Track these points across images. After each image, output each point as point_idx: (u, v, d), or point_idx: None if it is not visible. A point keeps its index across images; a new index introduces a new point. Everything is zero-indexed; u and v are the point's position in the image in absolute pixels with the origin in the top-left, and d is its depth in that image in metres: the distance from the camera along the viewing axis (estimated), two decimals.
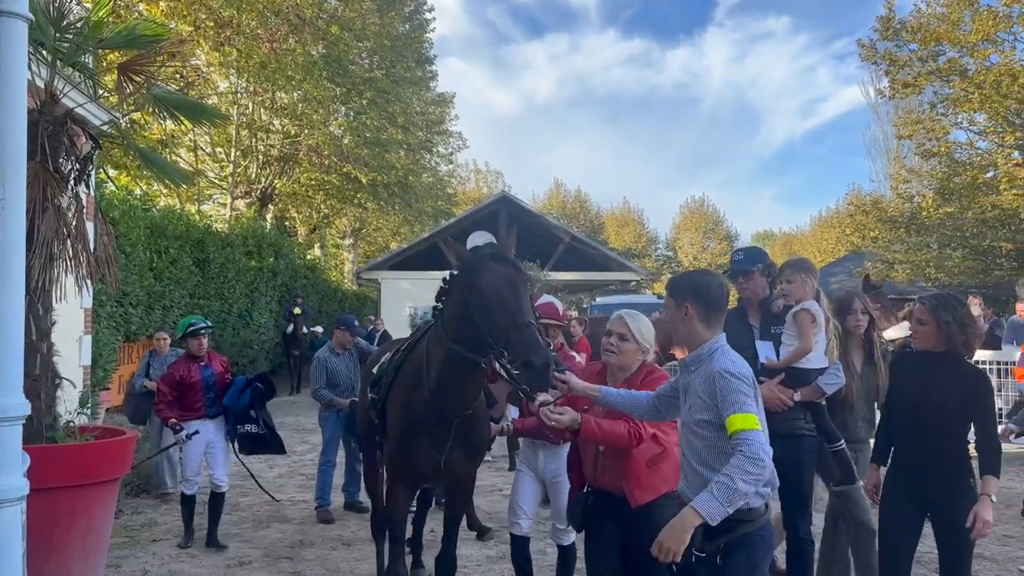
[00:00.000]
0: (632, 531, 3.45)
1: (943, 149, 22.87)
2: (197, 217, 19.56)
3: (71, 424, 5.53)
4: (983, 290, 25.04)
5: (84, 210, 5.58)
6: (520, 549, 4.61)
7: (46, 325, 5.35)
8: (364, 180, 23.34)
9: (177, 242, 15.40)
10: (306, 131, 23.38)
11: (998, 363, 10.56)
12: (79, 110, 7.00)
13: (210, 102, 22.69)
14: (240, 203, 23.64)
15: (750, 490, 2.71)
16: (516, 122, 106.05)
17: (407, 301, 21.13)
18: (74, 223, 5.44)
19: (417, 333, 4.73)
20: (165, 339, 8.79)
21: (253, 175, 23.90)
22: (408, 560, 4.89)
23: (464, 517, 5.54)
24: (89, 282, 5.64)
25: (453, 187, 38.95)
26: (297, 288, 20.69)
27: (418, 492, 5.08)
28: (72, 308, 8.77)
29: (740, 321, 4.41)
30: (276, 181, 24.28)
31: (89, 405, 6.35)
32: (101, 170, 11.98)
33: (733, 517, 2.80)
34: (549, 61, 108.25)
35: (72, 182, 5.39)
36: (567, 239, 21.91)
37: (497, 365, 3.75)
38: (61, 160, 5.36)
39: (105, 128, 6.19)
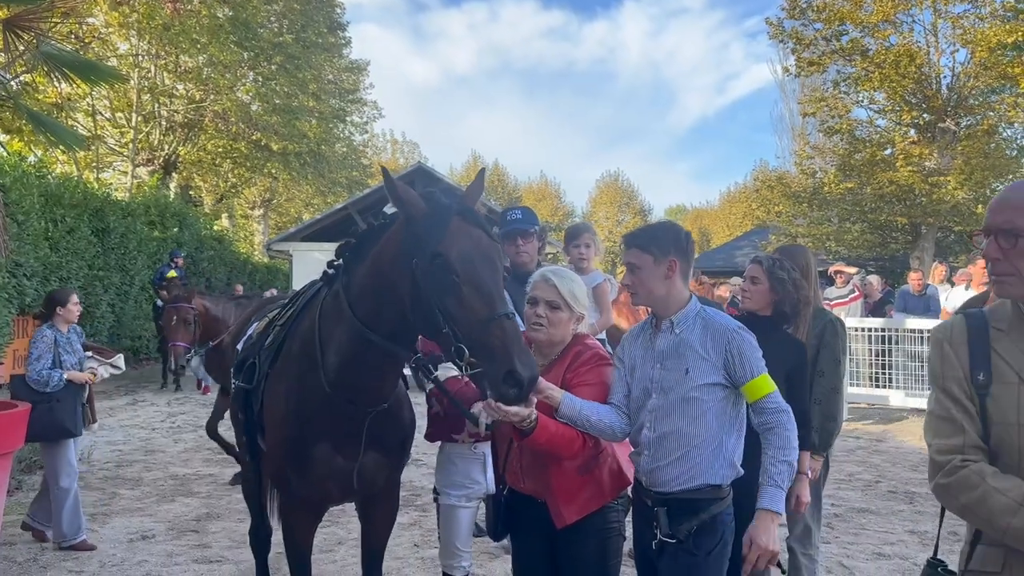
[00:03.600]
0: (561, 537, 2.89)
1: (845, 126, 23.75)
2: (96, 185, 18.69)
3: None
4: (879, 262, 26.28)
5: None
6: None
7: None
8: (275, 148, 22.70)
9: (74, 211, 14.68)
10: (212, 96, 22.55)
11: (891, 330, 11.11)
12: None
13: (109, 64, 21.67)
14: (142, 171, 22.69)
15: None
16: (435, 93, 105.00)
17: (320, 273, 20.71)
18: None
19: (299, 299, 3.51)
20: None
21: (156, 142, 22.94)
22: None
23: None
24: (3, 251, 5.36)
25: (368, 157, 38.29)
26: (202, 260, 20.05)
27: (325, 513, 3.67)
28: None
29: (522, 290, 3.33)
30: (180, 148, 23.37)
31: None
32: (17, 140, 11.33)
33: (702, 496, 2.66)
34: (468, 31, 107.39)
35: None
36: (483, 211, 21.81)
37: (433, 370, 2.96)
38: None
39: None
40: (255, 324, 4.10)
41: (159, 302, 13.88)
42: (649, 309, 2.93)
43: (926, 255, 22.36)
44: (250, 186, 29.16)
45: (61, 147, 5.72)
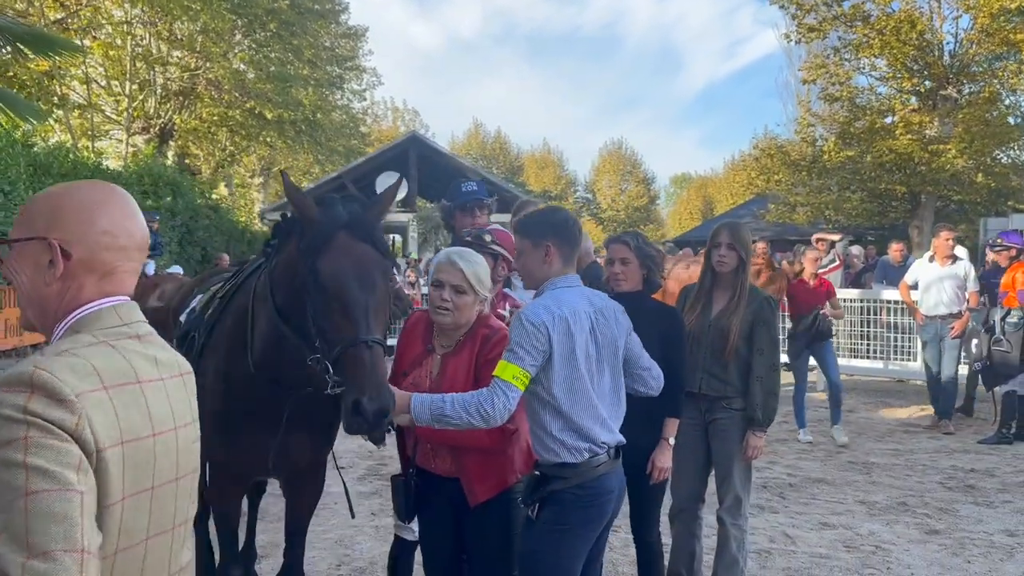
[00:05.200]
0: (469, 512, 2.97)
1: (845, 94, 23.49)
2: (89, 154, 18.71)
3: None
4: (879, 231, 26.15)
5: None
6: (406, 554, 3.62)
7: None
8: (269, 116, 22.62)
9: (63, 180, 14.75)
10: (206, 64, 22.46)
11: (869, 301, 11.11)
12: None
13: (103, 32, 21.58)
14: (138, 139, 22.69)
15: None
16: (438, 59, 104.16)
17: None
18: None
19: (240, 274, 3.47)
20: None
21: (151, 110, 22.91)
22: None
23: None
24: None
25: (368, 126, 38.14)
26: (198, 229, 20.09)
27: (250, 485, 3.77)
28: None
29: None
30: (176, 117, 23.33)
31: None
32: None
33: (547, 472, 2.75)
34: None
35: None
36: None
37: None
38: None
39: None
40: (198, 297, 4.05)
41: None
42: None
43: (925, 224, 22.22)
44: (247, 155, 29.12)
45: (20, 120, 5.71)
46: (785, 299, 8.03)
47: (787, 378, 9.34)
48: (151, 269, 13.36)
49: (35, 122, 6.13)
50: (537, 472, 2.83)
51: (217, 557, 3.62)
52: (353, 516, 3.62)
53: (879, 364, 10.97)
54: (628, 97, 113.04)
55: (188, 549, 1.57)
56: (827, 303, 7.92)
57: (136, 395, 1.39)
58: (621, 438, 2.87)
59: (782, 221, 26.56)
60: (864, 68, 23.89)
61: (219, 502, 3.46)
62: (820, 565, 4.82)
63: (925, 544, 5.19)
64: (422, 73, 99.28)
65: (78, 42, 20.86)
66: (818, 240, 11.66)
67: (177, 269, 15.25)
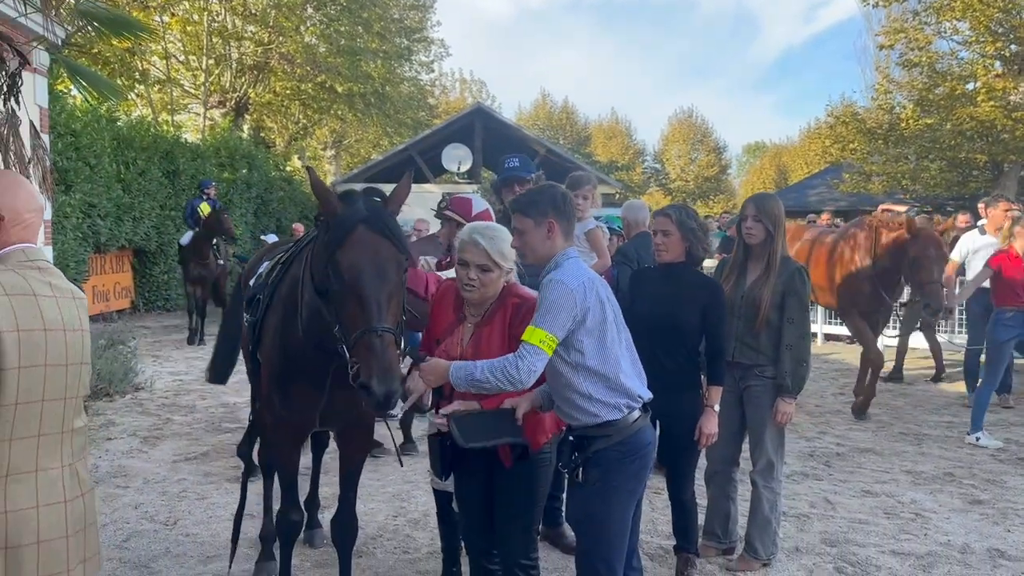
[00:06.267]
0: (497, 469, 3.15)
1: (925, 59, 22.71)
2: (168, 127, 19.47)
3: None
4: (958, 201, 25.30)
5: (20, 125, 5.72)
6: (449, 506, 3.82)
7: None
8: (340, 89, 23.12)
9: (145, 153, 15.45)
10: (279, 38, 23.04)
11: None
12: (32, 24, 7.07)
13: (180, 7, 22.30)
14: (215, 113, 23.47)
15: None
16: (507, 29, 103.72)
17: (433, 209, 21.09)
18: (11, 139, 5.61)
19: (302, 241, 3.72)
20: None
21: (227, 84, 23.65)
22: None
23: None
24: (48, 194, 5.86)
25: (436, 97, 38.46)
26: (272, 200, 20.72)
27: (307, 437, 4.13)
28: None
29: None
30: (250, 90, 24.04)
31: None
32: (61, 81, 12.02)
33: (588, 433, 2.89)
34: None
35: (2, 99, 5.53)
36: (543, 152, 21.90)
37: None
38: None
39: (35, 44, 6.29)
40: (266, 264, 4.41)
41: (185, 239, 13.11)
42: None
43: (1008, 194, 21.44)
44: (319, 127, 29.77)
45: (99, 97, 6.15)
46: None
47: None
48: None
49: (115, 99, 6.54)
50: (571, 438, 3.00)
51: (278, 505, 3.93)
52: (401, 465, 3.90)
53: (943, 337, 10.77)
54: (700, 64, 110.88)
55: (80, 419, 2.23)
56: None
57: (31, 302, 2.06)
58: (649, 393, 3.04)
59: (857, 191, 25.90)
60: (945, 32, 23.04)
61: (279, 453, 3.81)
62: (857, 530, 4.93)
63: (966, 513, 5.23)
64: (490, 43, 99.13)
65: (157, 18, 21.69)
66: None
67: (273, 237, 15.94)
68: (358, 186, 18.56)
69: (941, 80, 22.38)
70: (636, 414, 2.94)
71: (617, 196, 26.06)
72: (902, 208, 11.80)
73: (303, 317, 3.29)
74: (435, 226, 7.00)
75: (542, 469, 3.19)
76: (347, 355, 2.83)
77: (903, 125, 23.05)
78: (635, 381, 2.98)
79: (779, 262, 4.17)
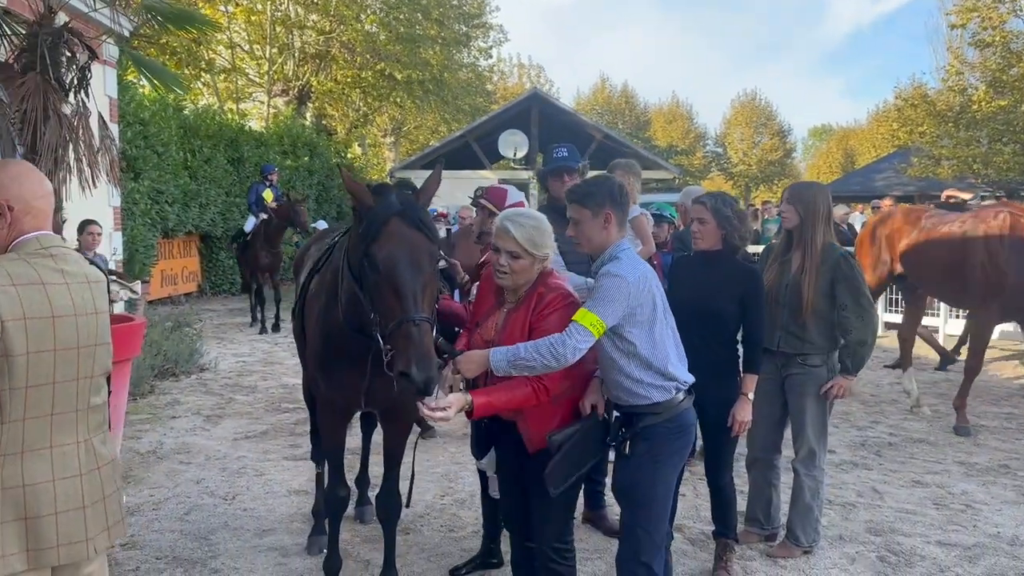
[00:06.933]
0: (527, 454, 3.18)
1: (999, 39, 21.91)
2: (234, 116, 19.97)
3: None
4: None
5: (90, 116, 6.00)
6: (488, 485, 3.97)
7: (57, 223, 5.88)
8: (399, 77, 23.39)
9: (210, 141, 15.92)
10: (339, 27, 23.39)
11: None
12: (101, 17, 7.36)
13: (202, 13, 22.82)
14: (278, 101, 23.98)
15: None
16: (566, 13, 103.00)
17: (439, 200, 21.29)
18: (81, 129, 5.89)
19: (344, 232, 3.74)
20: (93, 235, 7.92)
21: (290, 73, 24.13)
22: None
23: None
24: (115, 182, 6.16)
25: (494, 83, 38.46)
26: (332, 187, 21.10)
27: (352, 417, 4.19)
28: (101, 206, 9.42)
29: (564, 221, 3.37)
30: (312, 79, 24.49)
31: None
32: (129, 73, 12.45)
33: (638, 411, 3.05)
34: None
35: (72, 91, 5.80)
36: (599, 137, 21.83)
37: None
38: (62, 71, 5.77)
39: (103, 37, 6.56)
40: (314, 250, 4.60)
41: (249, 225, 13.15)
42: None
43: None
44: (379, 115, 30.14)
45: (163, 88, 6.39)
46: None
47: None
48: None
49: (178, 90, 6.80)
50: (619, 415, 3.15)
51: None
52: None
53: (1009, 326, 10.47)
54: (765, 45, 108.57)
55: (99, 397, 2.30)
56: None
57: (39, 291, 2.12)
58: (692, 377, 3.17)
59: (925, 176, 25.15)
60: (1020, 10, 22.18)
61: (325, 431, 3.98)
62: (903, 520, 4.89)
63: (1019, 505, 5.14)
64: (549, 28, 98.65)
65: (222, 8, 22.20)
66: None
67: (322, 224, 16.08)
68: (413, 173, 18.82)
69: (1016, 60, 21.58)
70: (682, 395, 3.10)
71: (676, 181, 25.83)
72: (967, 195, 11.49)
73: (343, 303, 3.38)
74: None
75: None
76: (382, 343, 2.92)
77: (975, 107, 22.31)
78: (680, 368, 3.13)
79: (820, 250, 4.16)
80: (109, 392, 2.35)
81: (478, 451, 3.44)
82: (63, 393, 2.14)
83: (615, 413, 3.19)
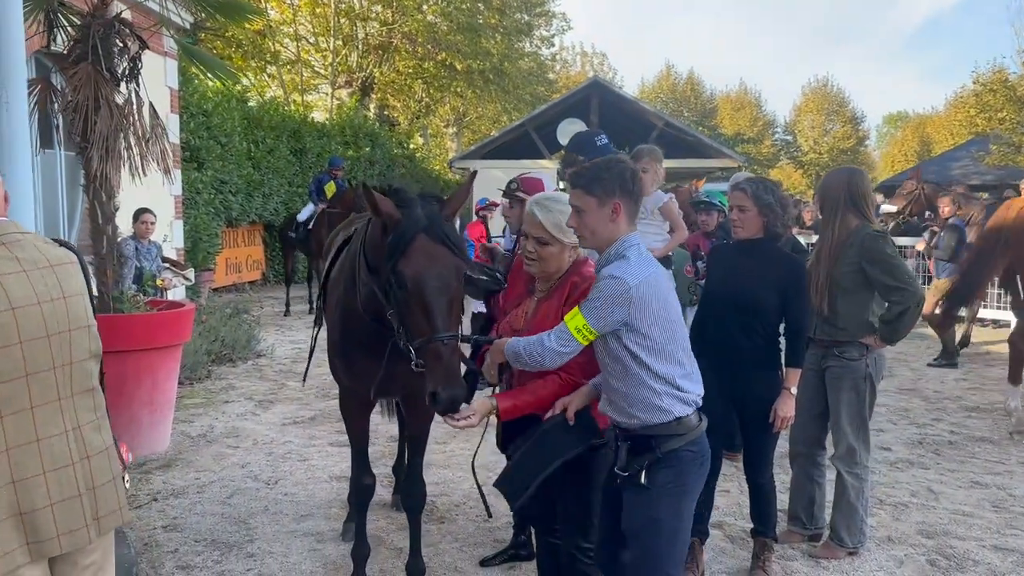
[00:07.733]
0: None
1: None
2: (298, 107, 20.30)
3: (138, 298, 6.32)
4: None
5: (142, 106, 6.13)
6: None
7: (110, 210, 6.04)
8: (460, 67, 23.45)
9: (273, 132, 16.21)
10: (402, 18, 23.55)
11: None
12: (156, 7, 7.52)
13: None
14: (342, 92, 24.28)
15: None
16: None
17: (491, 191, 21.25)
18: (133, 119, 6.03)
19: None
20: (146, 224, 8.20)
21: (353, 64, 24.41)
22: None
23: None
24: (167, 171, 6.30)
25: (556, 72, 38.26)
26: (394, 177, 21.29)
27: (374, 406, 4.19)
28: (162, 195, 9.65)
29: None
30: (375, 70, 24.73)
31: (150, 284, 7.14)
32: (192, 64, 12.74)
33: (658, 432, 2.65)
34: None
35: (124, 81, 5.94)
36: (660, 124, 21.46)
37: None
38: (114, 61, 5.91)
39: (160, 29, 6.70)
40: (341, 238, 4.46)
41: (303, 215, 13.03)
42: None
43: None
44: (441, 105, 30.27)
45: (211, 77, 6.52)
46: None
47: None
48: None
49: (230, 80, 6.93)
50: (628, 441, 2.75)
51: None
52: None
53: None
54: (838, 30, 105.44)
55: (88, 382, 2.17)
56: None
57: None
58: (703, 390, 2.81)
59: (1005, 164, 24.14)
60: None
61: (347, 418, 3.98)
62: (959, 522, 4.66)
63: None
64: (613, 15, 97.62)
65: (288, 1, 22.56)
66: None
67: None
68: (471, 163, 18.66)
69: None
70: (699, 417, 2.74)
71: (741, 169, 25.30)
72: None
73: (361, 293, 3.35)
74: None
75: (597, 463, 3.05)
76: (412, 355, 2.89)
77: None
78: (691, 384, 2.74)
79: (839, 234, 4.01)
80: (102, 373, 2.26)
81: (504, 447, 3.38)
82: (41, 384, 2.04)
83: (618, 438, 2.80)
